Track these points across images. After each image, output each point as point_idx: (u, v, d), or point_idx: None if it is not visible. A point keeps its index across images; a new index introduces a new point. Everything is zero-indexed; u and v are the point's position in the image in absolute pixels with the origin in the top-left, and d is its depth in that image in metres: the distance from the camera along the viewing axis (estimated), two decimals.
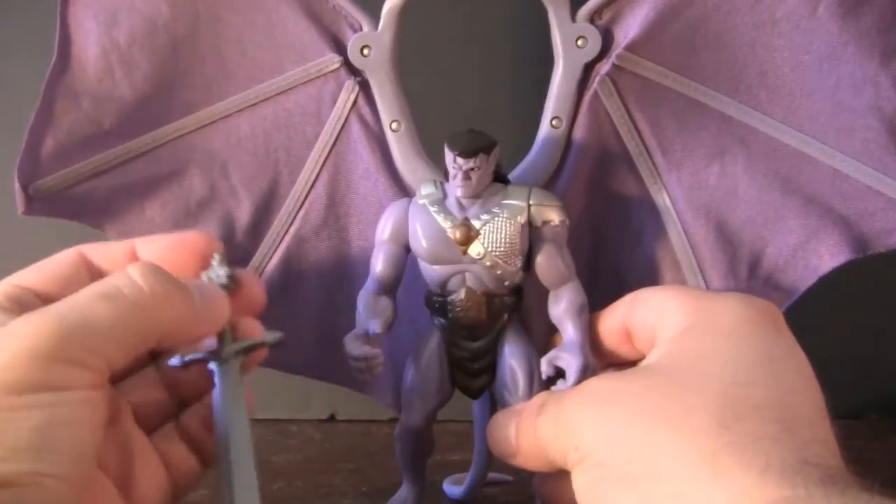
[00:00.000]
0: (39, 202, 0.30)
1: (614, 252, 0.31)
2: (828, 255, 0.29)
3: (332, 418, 0.46)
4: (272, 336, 0.24)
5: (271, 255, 0.32)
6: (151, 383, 0.24)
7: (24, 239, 0.44)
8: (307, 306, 0.32)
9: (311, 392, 0.45)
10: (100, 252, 0.24)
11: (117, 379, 0.23)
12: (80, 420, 0.19)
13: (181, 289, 0.21)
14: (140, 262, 0.22)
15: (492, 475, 0.35)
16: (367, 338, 0.26)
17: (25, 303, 0.22)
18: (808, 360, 0.21)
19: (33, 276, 0.23)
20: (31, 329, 0.19)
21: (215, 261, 0.24)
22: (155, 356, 0.25)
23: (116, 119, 0.30)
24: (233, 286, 0.24)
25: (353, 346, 0.25)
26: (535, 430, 0.22)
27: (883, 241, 0.29)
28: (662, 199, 0.30)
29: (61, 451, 0.18)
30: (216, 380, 0.23)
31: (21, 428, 0.18)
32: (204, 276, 0.24)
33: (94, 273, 0.24)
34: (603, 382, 0.21)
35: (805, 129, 0.29)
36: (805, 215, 0.29)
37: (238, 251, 0.32)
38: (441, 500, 0.35)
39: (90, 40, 0.29)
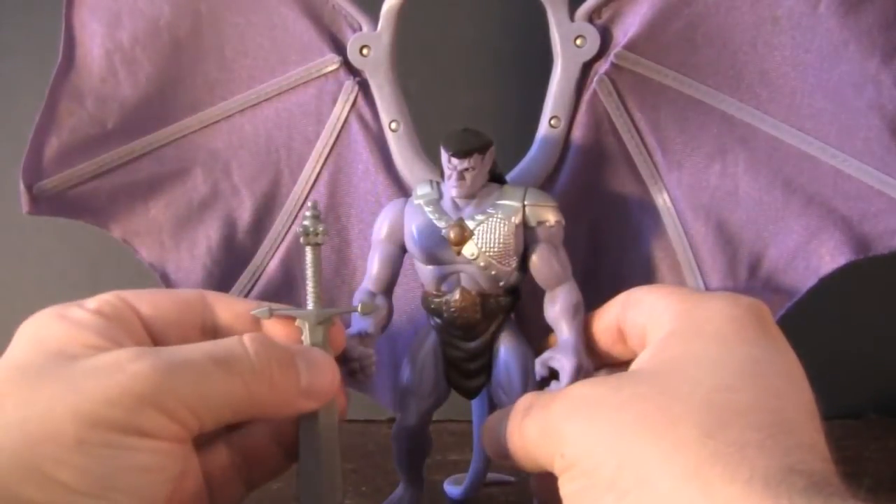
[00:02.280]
0: (44, 202, 0.30)
1: (613, 252, 0.31)
2: (828, 257, 0.29)
3: None
4: (367, 305, 0.25)
5: (272, 254, 0.32)
6: (224, 449, 0.24)
7: (24, 239, 0.44)
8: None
9: None
10: (224, 302, 0.24)
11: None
12: (158, 468, 0.19)
13: (288, 368, 0.21)
14: (255, 334, 0.22)
15: (492, 475, 0.35)
16: (362, 338, 0.26)
17: (127, 319, 0.22)
18: (797, 359, 0.21)
19: (144, 297, 0.23)
20: (141, 370, 0.19)
21: (309, 213, 0.24)
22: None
23: (120, 119, 0.30)
24: (323, 241, 0.24)
25: (347, 345, 0.25)
26: (521, 432, 0.22)
27: (885, 242, 0.29)
28: (662, 199, 0.30)
29: (130, 494, 0.18)
30: (304, 339, 0.24)
31: (115, 467, 0.18)
32: (299, 230, 0.24)
33: (209, 322, 0.24)
34: (589, 389, 0.21)
35: (806, 129, 0.29)
36: (806, 216, 0.29)
37: (240, 250, 0.32)
38: (441, 500, 0.35)
39: (94, 41, 0.30)
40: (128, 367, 0.19)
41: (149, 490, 0.19)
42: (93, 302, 0.22)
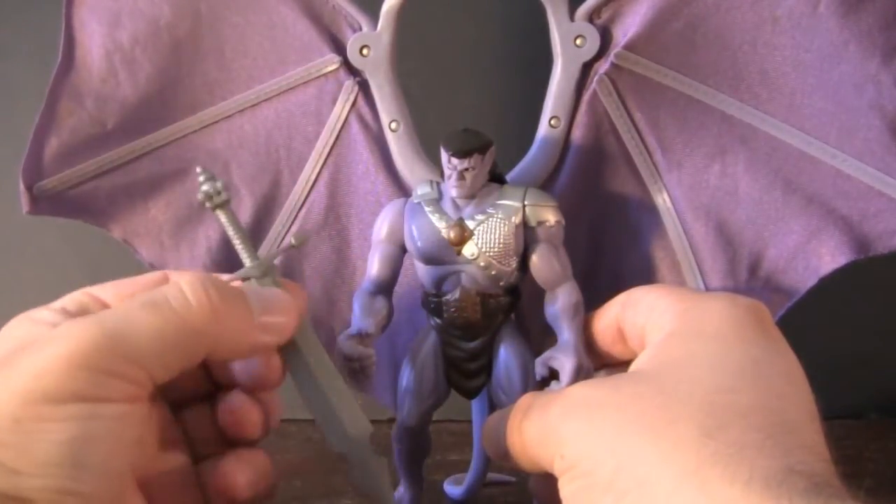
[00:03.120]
0: (44, 202, 0.30)
1: (613, 252, 0.31)
2: (828, 257, 0.29)
3: None
4: (300, 236, 0.24)
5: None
6: (201, 413, 0.23)
7: (24, 239, 0.44)
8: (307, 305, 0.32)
9: None
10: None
11: (176, 406, 0.23)
12: (115, 435, 0.18)
13: (236, 301, 0.20)
14: (192, 273, 0.21)
15: (492, 475, 0.35)
16: (361, 338, 0.26)
17: (91, 311, 0.21)
18: (796, 359, 0.21)
19: (109, 289, 0.22)
20: (73, 335, 0.18)
21: (203, 177, 0.22)
22: (216, 386, 0.24)
23: (120, 119, 0.30)
24: (227, 198, 0.23)
25: (347, 346, 0.26)
26: (520, 433, 0.22)
27: (885, 242, 0.29)
28: (662, 199, 0.30)
29: (92, 467, 0.17)
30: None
31: (51, 441, 0.17)
32: (199, 197, 0.22)
33: None
34: (589, 390, 0.21)
35: (806, 129, 0.29)
36: (806, 216, 0.29)
37: None
38: (441, 500, 0.35)
39: (94, 42, 0.30)
40: (56, 337, 0.18)
41: (106, 460, 0.18)
42: (60, 302, 0.21)
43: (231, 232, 0.23)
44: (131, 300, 0.20)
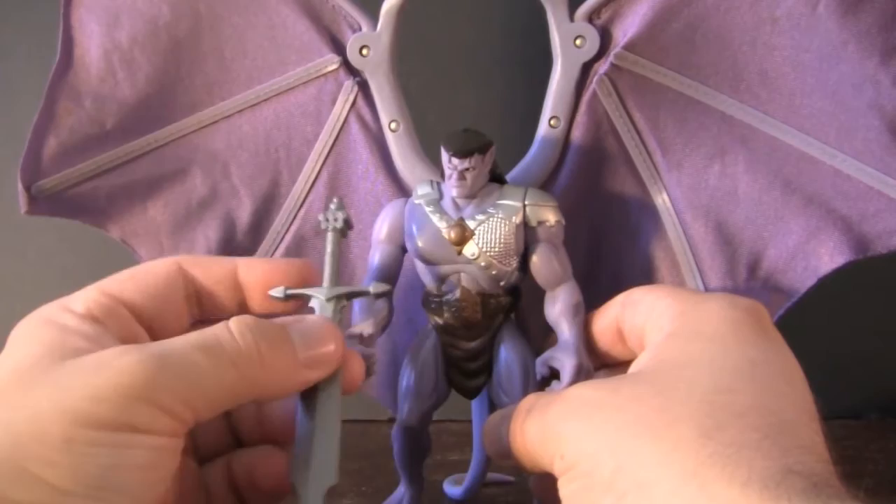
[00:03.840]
0: (42, 202, 0.30)
1: (613, 253, 0.31)
2: (828, 257, 0.29)
3: None
4: (379, 286, 0.24)
5: (272, 254, 0.32)
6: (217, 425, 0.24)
7: (24, 239, 0.44)
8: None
9: None
10: (200, 268, 0.23)
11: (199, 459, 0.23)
12: (153, 466, 0.19)
13: (280, 343, 0.21)
14: (242, 318, 0.21)
15: (492, 475, 0.35)
16: (362, 338, 0.26)
17: (118, 315, 0.21)
18: (795, 360, 0.21)
19: (126, 285, 0.22)
20: (127, 366, 0.18)
21: (334, 205, 0.25)
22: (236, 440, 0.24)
23: (118, 119, 0.30)
24: (347, 231, 0.25)
25: (348, 345, 0.25)
26: (522, 433, 0.22)
27: (884, 242, 0.29)
28: (662, 200, 0.30)
29: (125, 493, 0.18)
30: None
31: (98, 465, 0.18)
32: (321, 217, 0.25)
33: (191, 290, 0.23)
34: (589, 391, 0.21)
35: (806, 129, 0.29)
36: (805, 216, 0.29)
37: (239, 251, 0.32)
38: (441, 500, 0.35)
39: (92, 41, 0.30)
40: (114, 362, 0.19)
41: (141, 489, 0.18)
42: (79, 303, 0.21)
43: (329, 255, 0.24)
44: (185, 339, 0.20)
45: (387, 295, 0.26)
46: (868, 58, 0.28)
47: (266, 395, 0.21)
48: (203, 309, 0.24)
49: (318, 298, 0.24)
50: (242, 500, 0.24)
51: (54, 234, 0.43)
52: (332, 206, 0.25)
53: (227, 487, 0.24)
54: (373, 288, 0.24)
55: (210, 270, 0.23)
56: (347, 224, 0.25)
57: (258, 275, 0.23)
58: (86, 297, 0.22)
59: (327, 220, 0.25)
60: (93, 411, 0.18)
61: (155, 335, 0.22)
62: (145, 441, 0.18)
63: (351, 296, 0.24)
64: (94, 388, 0.18)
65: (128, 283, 0.22)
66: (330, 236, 0.25)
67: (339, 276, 0.24)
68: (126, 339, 0.21)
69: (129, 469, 0.18)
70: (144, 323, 0.22)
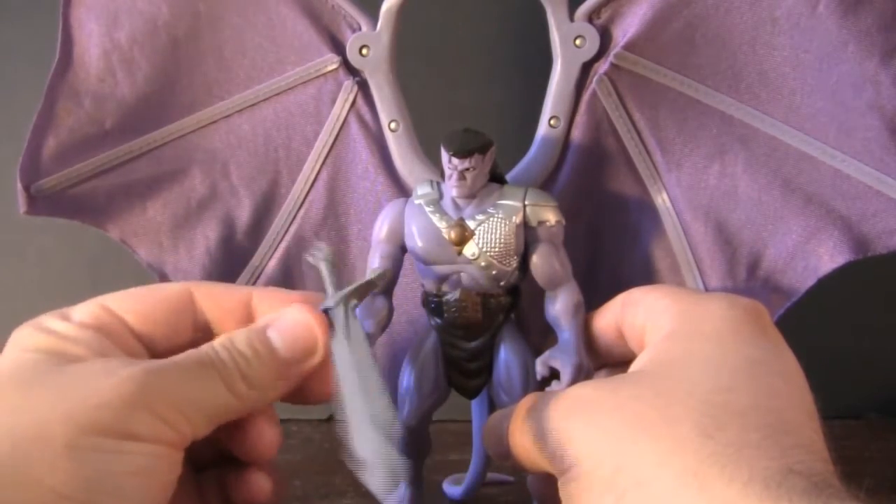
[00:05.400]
0: (41, 202, 0.30)
1: (613, 253, 0.31)
2: (827, 257, 0.29)
3: (332, 418, 0.46)
4: (376, 271, 0.24)
5: (271, 254, 0.32)
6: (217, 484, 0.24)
7: (24, 239, 0.44)
8: None
9: None
10: (212, 298, 0.23)
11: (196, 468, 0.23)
12: (152, 473, 0.19)
13: (259, 352, 0.21)
14: (227, 335, 0.21)
15: (492, 475, 0.35)
16: None
17: (117, 331, 0.21)
18: (795, 359, 0.21)
19: (133, 305, 0.22)
20: (132, 374, 0.19)
21: (316, 249, 0.23)
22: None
23: (118, 119, 0.30)
24: (335, 259, 0.23)
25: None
26: (522, 433, 0.22)
27: (884, 242, 0.29)
28: (661, 200, 0.30)
29: (122, 499, 0.18)
30: (334, 326, 0.22)
31: (101, 470, 0.18)
32: (308, 258, 0.23)
33: (200, 319, 0.23)
34: (589, 391, 0.21)
35: (806, 129, 0.29)
36: (805, 216, 0.29)
37: (238, 251, 0.32)
38: (441, 500, 0.35)
39: (92, 41, 0.29)
40: (118, 371, 0.19)
41: (140, 495, 0.19)
42: (79, 314, 0.21)
43: (327, 274, 0.23)
44: (186, 356, 0.21)
45: (385, 278, 0.25)
46: (868, 58, 0.28)
47: (258, 403, 0.21)
48: (211, 336, 0.24)
49: (328, 306, 0.23)
50: None
51: (54, 235, 0.43)
52: (314, 250, 0.24)
53: (220, 498, 0.24)
54: (370, 274, 0.24)
55: (221, 300, 0.24)
56: (334, 254, 0.24)
57: (273, 305, 0.23)
58: (86, 310, 0.22)
59: (314, 255, 0.24)
60: (96, 418, 0.18)
61: (155, 356, 0.22)
62: (145, 449, 0.19)
63: (356, 293, 0.23)
64: (98, 394, 0.18)
65: (131, 303, 0.22)
66: (322, 265, 0.24)
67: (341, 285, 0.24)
68: (124, 354, 0.21)
69: (127, 475, 0.18)
70: (144, 342, 0.22)
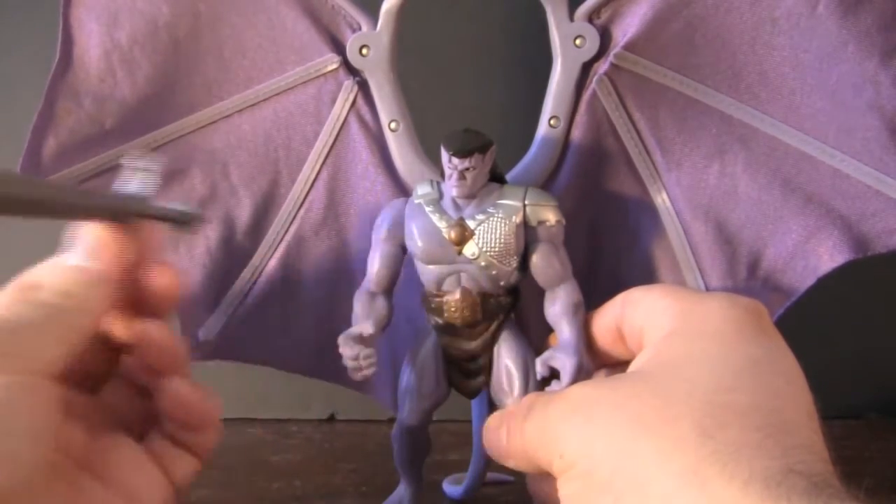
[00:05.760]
0: None
1: (613, 252, 0.31)
2: (827, 256, 0.29)
3: (332, 418, 0.46)
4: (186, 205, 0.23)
5: (271, 254, 0.32)
6: (127, 392, 0.23)
7: (24, 239, 0.44)
8: (307, 305, 0.32)
9: (311, 392, 0.45)
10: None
11: (95, 388, 0.23)
12: (29, 401, 0.18)
13: (92, 281, 0.21)
14: (52, 267, 0.21)
15: (492, 475, 0.35)
16: (362, 337, 0.26)
17: None
18: (795, 359, 0.21)
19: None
20: None
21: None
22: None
23: (118, 119, 0.30)
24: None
25: (347, 345, 0.26)
26: (522, 433, 0.22)
27: (884, 242, 0.29)
28: (661, 199, 0.30)
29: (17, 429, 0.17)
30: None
31: None
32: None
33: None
34: (589, 390, 0.21)
35: (805, 129, 0.29)
36: (805, 215, 0.29)
37: (238, 250, 0.32)
38: (440, 499, 0.35)
39: (92, 41, 0.29)
40: None
41: (24, 423, 0.18)
42: None
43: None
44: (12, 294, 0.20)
45: (200, 221, 0.24)
46: (868, 58, 0.28)
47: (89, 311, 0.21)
48: None
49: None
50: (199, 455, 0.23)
51: (54, 235, 0.43)
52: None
53: (177, 449, 0.23)
54: (180, 205, 0.23)
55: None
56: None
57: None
58: None
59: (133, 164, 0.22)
60: None
61: None
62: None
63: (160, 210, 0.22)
64: None
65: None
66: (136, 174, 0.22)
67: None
68: None
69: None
70: None
